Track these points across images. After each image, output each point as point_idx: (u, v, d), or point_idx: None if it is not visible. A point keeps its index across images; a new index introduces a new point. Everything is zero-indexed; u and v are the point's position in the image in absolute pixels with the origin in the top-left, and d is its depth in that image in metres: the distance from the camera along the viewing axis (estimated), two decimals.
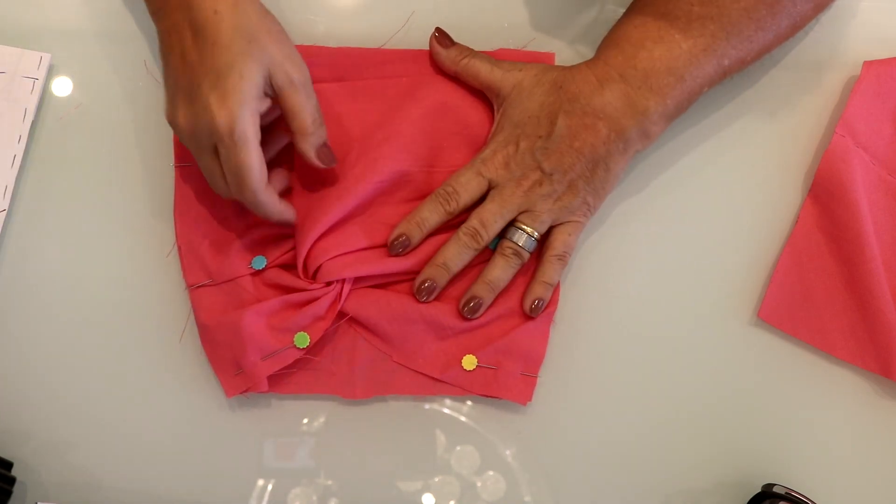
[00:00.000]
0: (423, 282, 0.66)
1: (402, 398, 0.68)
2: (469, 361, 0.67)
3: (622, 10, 0.69)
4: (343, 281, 0.66)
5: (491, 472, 0.67)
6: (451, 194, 0.66)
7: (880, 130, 0.71)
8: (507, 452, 0.68)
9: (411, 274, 0.67)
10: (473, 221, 0.66)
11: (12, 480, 0.63)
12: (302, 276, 0.66)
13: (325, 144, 0.64)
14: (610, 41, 0.67)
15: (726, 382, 0.69)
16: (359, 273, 0.66)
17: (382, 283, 0.68)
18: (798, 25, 0.67)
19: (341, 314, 0.66)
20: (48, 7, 0.71)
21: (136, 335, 0.67)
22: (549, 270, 0.67)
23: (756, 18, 0.65)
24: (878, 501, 0.69)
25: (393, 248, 0.66)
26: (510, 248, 0.66)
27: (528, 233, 0.66)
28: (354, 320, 0.67)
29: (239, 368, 0.65)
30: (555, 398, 0.68)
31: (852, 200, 0.69)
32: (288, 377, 0.66)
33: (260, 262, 0.66)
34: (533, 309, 0.67)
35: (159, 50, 0.63)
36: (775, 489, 0.65)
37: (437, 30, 0.69)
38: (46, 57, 0.70)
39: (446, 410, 0.68)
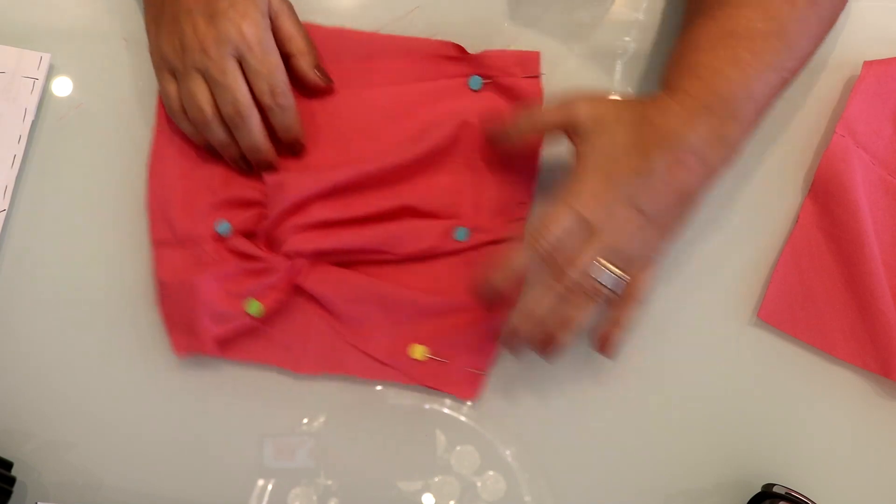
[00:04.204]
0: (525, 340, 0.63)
1: (401, 398, 0.68)
2: (419, 351, 0.67)
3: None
4: (303, 255, 0.66)
5: (491, 472, 0.67)
6: (541, 230, 0.61)
7: (880, 130, 0.71)
8: (507, 452, 0.68)
9: (372, 254, 0.67)
10: (570, 270, 0.60)
11: (12, 480, 0.63)
12: (263, 246, 0.66)
13: (319, 65, 0.68)
14: (684, 67, 0.64)
15: (726, 382, 0.69)
16: (319, 247, 0.66)
17: (343, 261, 0.68)
18: (832, 26, 0.67)
19: (298, 288, 0.67)
20: (48, 7, 0.71)
21: (136, 335, 0.67)
22: (626, 313, 0.63)
23: (808, 27, 0.64)
24: (878, 501, 0.69)
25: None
26: (596, 289, 0.61)
27: (618, 276, 0.61)
28: (311, 296, 0.67)
29: (190, 328, 0.65)
30: (554, 398, 0.68)
31: (852, 200, 0.69)
32: (238, 343, 0.67)
33: (224, 227, 0.67)
34: (604, 348, 0.64)
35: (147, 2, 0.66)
36: (775, 489, 0.65)
37: (486, 128, 0.68)
38: (46, 57, 0.70)
39: (446, 410, 0.68)
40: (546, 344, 0.63)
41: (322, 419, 0.68)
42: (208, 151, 0.68)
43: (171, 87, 0.66)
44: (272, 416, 0.67)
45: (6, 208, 0.68)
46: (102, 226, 0.68)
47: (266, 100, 0.65)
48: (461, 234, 0.68)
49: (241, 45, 0.64)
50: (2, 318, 0.67)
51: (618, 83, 0.72)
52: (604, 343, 0.64)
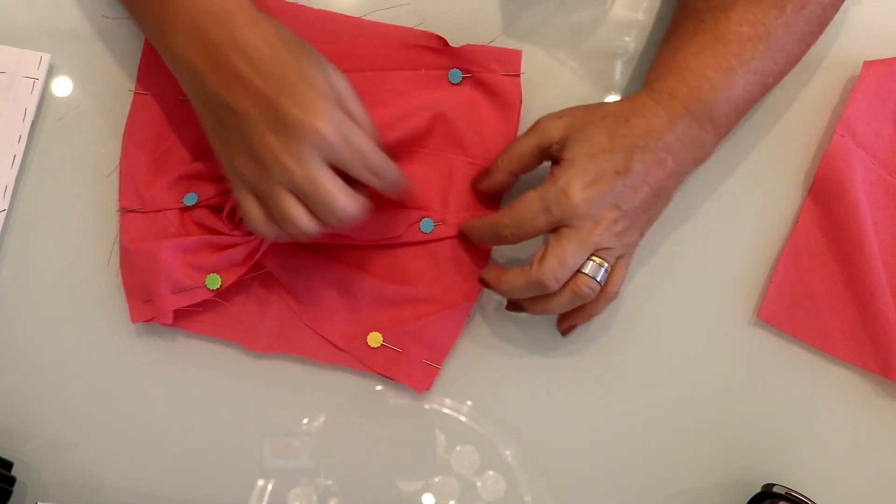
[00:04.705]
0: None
1: (401, 397, 0.68)
2: (374, 339, 0.67)
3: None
4: None
5: (491, 472, 0.67)
6: (510, 227, 0.63)
7: (880, 130, 0.71)
8: (507, 452, 0.68)
9: (335, 237, 0.67)
10: (553, 265, 0.61)
11: (12, 480, 0.63)
12: (227, 221, 0.67)
13: (382, 144, 0.62)
14: (669, 69, 0.65)
15: (726, 382, 0.69)
16: None
17: (306, 243, 0.67)
18: (822, 30, 0.67)
19: (259, 266, 0.67)
20: (48, 7, 0.71)
21: (135, 335, 0.67)
22: (601, 307, 0.65)
23: (795, 31, 0.64)
24: (878, 501, 0.69)
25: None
26: (586, 284, 0.62)
27: (601, 266, 0.62)
28: (271, 275, 0.67)
29: (148, 297, 0.65)
30: (554, 398, 0.68)
31: (852, 200, 0.69)
32: (195, 315, 0.67)
33: (191, 199, 0.67)
34: (566, 332, 0.67)
35: (202, 113, 0.62)
36: (775, 489, 0.65)
37: (475, 187, 0.68)
38: (46, 57, 0.69)
39: (446, 410, 0.68)
40: (515, 308, 0.67)
41: (322, 419, 0.68)
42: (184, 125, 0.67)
43: (252, 205, 0.60)
44: (272, 416, 0.67)
45: (6, 208, 0.68)
46: (102, 226, 0.68)
47: (370, 180, 0.60)
48: (427, 226, 0.68)
49: (325, 147, 0.58)
50: (2, 318, 0.67)
51: (618, 83, 0.73)
52: (568, 329, 0.67)
